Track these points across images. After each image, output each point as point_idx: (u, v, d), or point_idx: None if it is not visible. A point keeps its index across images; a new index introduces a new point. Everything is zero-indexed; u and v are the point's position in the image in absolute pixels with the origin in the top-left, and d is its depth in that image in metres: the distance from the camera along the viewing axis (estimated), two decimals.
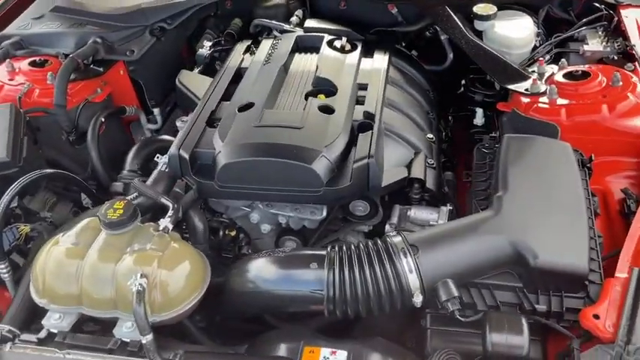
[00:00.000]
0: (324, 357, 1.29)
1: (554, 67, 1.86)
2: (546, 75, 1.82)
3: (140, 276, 1.27)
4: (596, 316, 1.21)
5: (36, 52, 2.14)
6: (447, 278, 1.27)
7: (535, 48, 2.01)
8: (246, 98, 1.75)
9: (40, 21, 2.24)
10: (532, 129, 1.67)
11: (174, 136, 1.70)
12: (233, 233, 1.79)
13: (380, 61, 1.97)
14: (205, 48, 2.15)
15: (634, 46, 1.91)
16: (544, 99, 1.73)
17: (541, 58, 1.88)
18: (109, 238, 1.39)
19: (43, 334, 1.34)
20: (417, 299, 1.26)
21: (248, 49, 2.09)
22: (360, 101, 1.76)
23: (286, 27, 2.16)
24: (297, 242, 1.75)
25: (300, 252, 1.37)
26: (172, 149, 1.61)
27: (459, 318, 1.26)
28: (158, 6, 2.15)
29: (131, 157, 1.88)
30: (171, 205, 1.49)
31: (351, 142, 1.60)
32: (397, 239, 1.32)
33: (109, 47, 2.10)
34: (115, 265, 1.34)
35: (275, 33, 2.19)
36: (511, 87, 1.80)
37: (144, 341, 1.23)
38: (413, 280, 1.25)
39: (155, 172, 1.68)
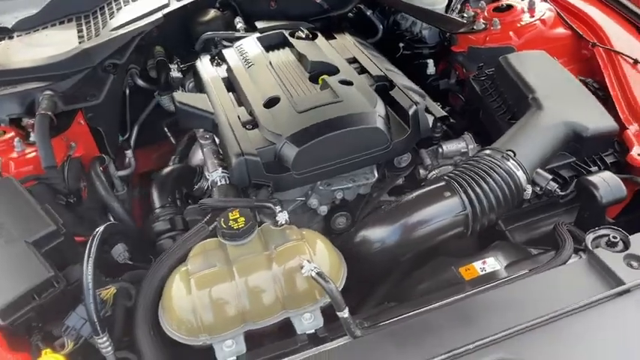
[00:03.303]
0: (481, 268, 1.45)
1: (475, 10, 2.26)
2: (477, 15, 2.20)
3: (307, 262, 1.27)
4: None
5: None
6: (537, 169, 1.54)
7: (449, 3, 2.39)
8: (261, 97, 1.78)
9: None
10: (494, 55, 2.01)
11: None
12: None
13: (344, 39, 2.14)
14: (174, 71, 2.07)
15: None
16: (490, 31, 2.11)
17: (467, 4, 2.26)
18: (243, 249, 1.35)
19: None
20: (528, 191, 1.49)
21: (212, 62, 2.08)
22: (358, 71, 1.92)
23: (237, 34, 2.19)
24: (347, 216, 1.84)
25: (422, 190, 1.48)
26: (234, 158, 1.57)
27: (560, 193, 1.53)
28: (100, 44, 1.99)
29: (157, 195, 1.76)
30: (272, 204, 1.48)
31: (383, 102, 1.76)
32: (488, 151, 1.52)
33: (65, 97, 1.89)
34: (270, 269, 1.30)
35: (224, 43, 2.20)
36: (461, 31, 2.14)
37: (345, 315, 1.23)
38: (522, 176, 1.47)
39: (216, 189, 1.62)
